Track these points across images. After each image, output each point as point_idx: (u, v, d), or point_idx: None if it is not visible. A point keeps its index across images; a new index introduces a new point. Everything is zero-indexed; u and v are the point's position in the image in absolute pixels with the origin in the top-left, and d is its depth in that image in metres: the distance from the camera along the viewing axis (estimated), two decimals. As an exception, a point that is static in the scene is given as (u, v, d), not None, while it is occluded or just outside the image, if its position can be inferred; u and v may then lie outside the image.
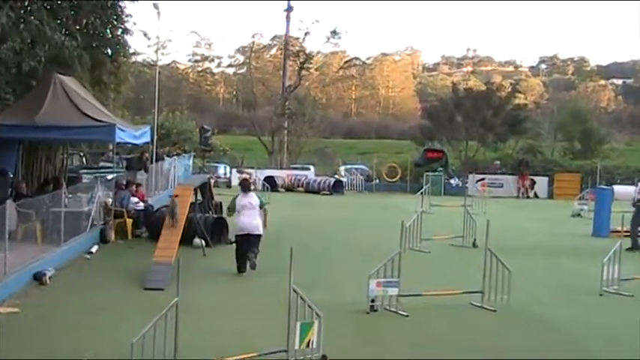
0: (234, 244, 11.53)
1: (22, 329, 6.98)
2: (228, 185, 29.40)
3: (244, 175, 28.26)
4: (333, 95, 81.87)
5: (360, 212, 20.19)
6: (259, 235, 10.21)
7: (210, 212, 13.87)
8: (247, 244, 10.08)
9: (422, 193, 18.49)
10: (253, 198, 10.35)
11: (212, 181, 17.49)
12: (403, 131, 54.35)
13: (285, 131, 38.55)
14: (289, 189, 27.86)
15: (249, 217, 10.13)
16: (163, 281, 8.90)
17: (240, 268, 10.11)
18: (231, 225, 12.85)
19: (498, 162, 30.80)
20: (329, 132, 51.70)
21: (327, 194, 26.75)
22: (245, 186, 10.60)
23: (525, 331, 7.53)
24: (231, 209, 10.36)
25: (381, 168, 32.02)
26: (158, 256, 9.69)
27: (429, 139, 32.99)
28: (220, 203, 15.37)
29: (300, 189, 28.00)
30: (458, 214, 14.47)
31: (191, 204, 11.70)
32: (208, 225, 12.32)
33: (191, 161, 25.61)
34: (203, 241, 11.74)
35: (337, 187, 27.50)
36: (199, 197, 13.21)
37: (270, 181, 25.28)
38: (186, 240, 11.24)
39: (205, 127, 27.28)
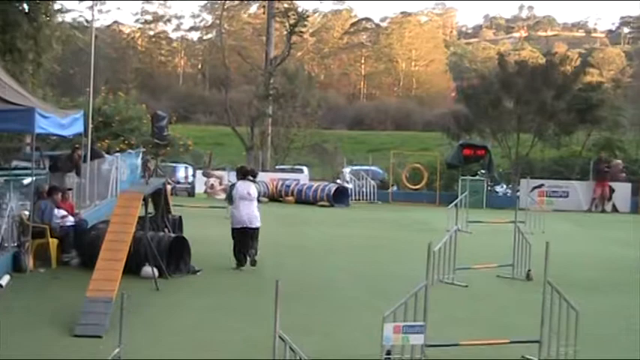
0: (199, 273, 12.56)
1: None
2: (191, 193, 29.41)
3: (212, 180, 28.41)
4: (335, 70, 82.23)
5: (372, 231, 20.27)
6: (257, 228, 13.14)
7: (167, 230, 13.90)
8: (245, 237, 12.99)
9: (456, 204, 18.56)
10: (252, 188, 13.20)
11: (169, 187, 17.50)
12: (430, 120, 54.56)
13: (270, 119, 38.62)
14: (274, 199, 27.87)
15: (246, 209, 13.05)
16: (101, 325, 8.92)
17: (240, 263, 13.06)
18: (193, 235, 12.90)
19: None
20: (329, 121, 51.94)
21: (326, 206, 26.76)
22: (243, 172, 13.52)
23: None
24: (229, 199, 13.40)
25: (401, 170, 32.05)
26: (94, 291, 9.69)
27: (466, 130, 33.01)
28: (180, 218, 15.44)
29: (290, 199, 28.04)
30: (506, 233, 14.49)
31: (139, 218, 11.74)
32: (163, 248, 12.36)
33: (139, 159, 25.65)
34: (156, 270, 11.78)
35: (340, 197, 27.53)
36: (151, 209, 13.23)
37: (248, 187, 25.38)
38: (132, 268, 11.28)
39: (160, 113, 27.08)
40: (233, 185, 13.52)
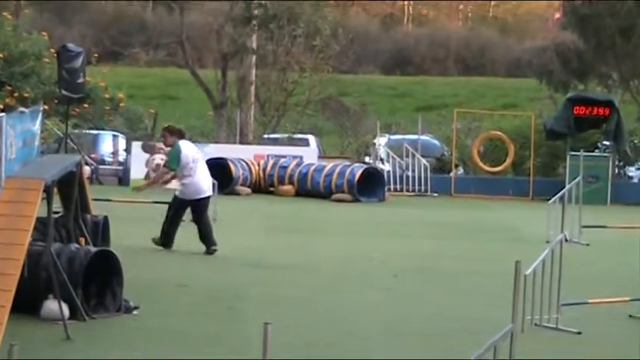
0: (135, 312, 12.67)
1: None
2: (123, 179, 29.27)
3: (158, 158, 28.51)
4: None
5: (423, 243, 20.32)
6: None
7: (86, 241, 13.87)
8: (204, 209, 16.40)
9: (562, 198, 18.57)
10: (195, 148, 16.69)
11: (86, 169, 17.46)
12: (519, 58, 54.24)
13: (253, 58, 38.51)
14: (261, 189, 27.94)
15: (204, 174, 16.40)
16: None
17: (168, 243, 16.56)
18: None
19: None
20: (353, 60, 51.57)
21: (347, 201, 26.74)
22: (178, 132, 16.78)
23: None
24: (174, 163, 16.29)
25: (470, 142, 31.96)
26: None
27: (578, 76, 32.90)
28: (105, 220, 15.40)
29: (287, 188, 28.08)
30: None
31: (38, 221, 11.75)
32: (77, 270, 12.31)
33: (38, 124, 25.62)
34: (66, 307, 11.76)
35: (371, 186, 27.57)
36: (58, 206, 13.24)
37: (218, 169, 25.17)
38: (26, 304, 11.28)
39: (71, 47, 27.32)
40: (177, 148, 16.37)
